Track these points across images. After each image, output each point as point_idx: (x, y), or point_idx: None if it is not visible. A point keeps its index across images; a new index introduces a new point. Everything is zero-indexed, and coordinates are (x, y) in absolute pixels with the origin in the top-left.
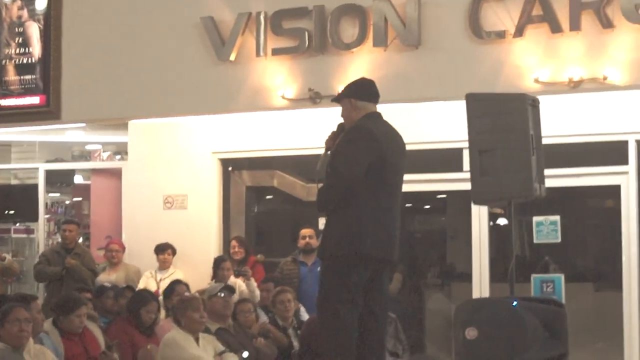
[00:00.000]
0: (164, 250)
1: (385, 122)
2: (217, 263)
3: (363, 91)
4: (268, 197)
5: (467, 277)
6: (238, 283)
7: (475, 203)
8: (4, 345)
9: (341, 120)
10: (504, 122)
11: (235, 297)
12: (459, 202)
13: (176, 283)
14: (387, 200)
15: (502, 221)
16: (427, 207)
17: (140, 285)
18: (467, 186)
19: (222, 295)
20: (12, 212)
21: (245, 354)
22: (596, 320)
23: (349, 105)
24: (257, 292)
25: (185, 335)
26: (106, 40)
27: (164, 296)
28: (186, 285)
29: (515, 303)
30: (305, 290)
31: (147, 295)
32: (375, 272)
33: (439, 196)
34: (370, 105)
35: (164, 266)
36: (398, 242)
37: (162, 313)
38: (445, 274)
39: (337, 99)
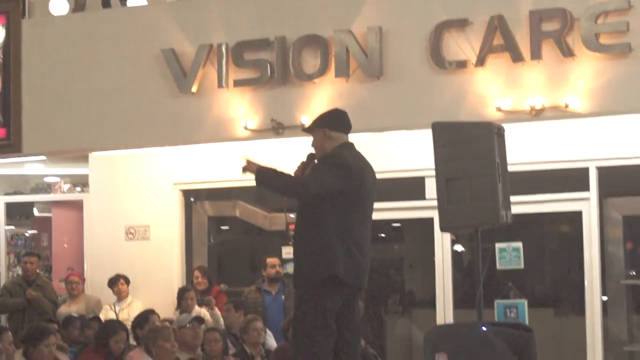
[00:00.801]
0: (116, 282)
1: (358, 153)
2: (181, 293)
3: (337, 122)
4: (230, 227)
5: (428, 303)
6: (202, 312)
7: (443, 230)
8: None
9: (310, 150)
10: (470, 150)
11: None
12: (417, 230)
13: (148, 313)
14: (360, 229)
15: (458, 247)
16: (383, 235)
17: (101, 317)
18: (429, 214)
19: (191, 325)
20: None
21: None
22: (559, 346)
23: (322, 135)
24: (222, 321)
25: None
26: (66, 72)
27: (135, 325)
28: (157, 315)
29: (484, 328)
30: (269, 318)
31: (115, 325)
32: (347, 298)
33: (395, 224)
34: (343, 136)
35: (120, 297)
36: (368, 270)
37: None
38: (405, 301)
39: (310, 129)
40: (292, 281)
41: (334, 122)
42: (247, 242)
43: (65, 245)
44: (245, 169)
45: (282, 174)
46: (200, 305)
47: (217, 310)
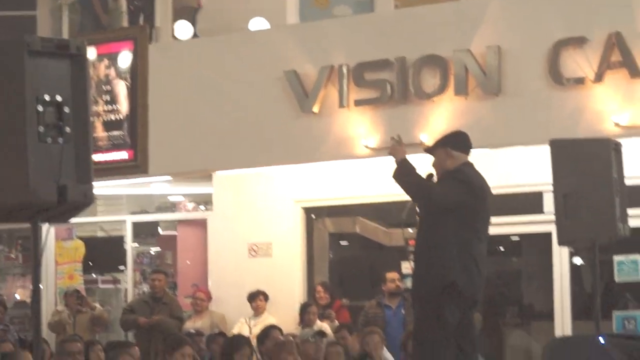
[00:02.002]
0: (256, 297)
1: (477, 171)
2: (304, 308)
3: (459, 142)
4: (350, 243)
5: (545, 315)
6: (324, 326)
7: (561, 244)
8: None
9: (430, 170)
10: (587, 166)
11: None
12: (534, 243)
13: (271, 328)
14: (477, 244)
15: (577, 260)
16: (502, 248)
17: (234, 331)
18: (546, 228)
19: (314, 340)
20: (91, 263)
21: None
22: None
23: (444, 154)
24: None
25: None
26: (191, 94)
27: (258, 341)
28: (280, 329)
29: (602, 340)
30: (389, 333)
31: (240, 340)
32: (464, 311)
33: (513, 238)
34: (463, 156)
35: (257, 312)
36: (483, 284)
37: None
38: (523, 313)
39: (432, 149)
40: (411, 294)
41: (455, 142)
42: (367, 258)
43: (188, 262)
44: (392, 151)
45: (419, 176)
46: (321, 319)
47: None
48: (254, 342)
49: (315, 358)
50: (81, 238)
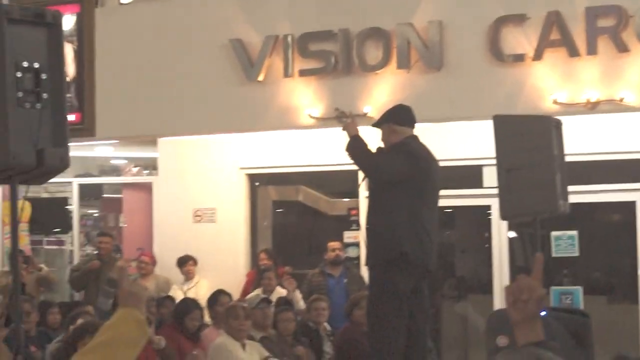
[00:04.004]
0: (186, 262)
1: (422, 144)
2: (262, 272)
3: (402, 116)
4: (293, 211)
5: (482, 288)
6: (282, 292)
7: (503, 218)
8: None
9: (380, 144)
10: (529, 142)
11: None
12: (469, 216)
13: (220, 293)
14: (427, 213)
15: (510, 234)
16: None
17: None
18: (486, 202)
19: (261, 307)
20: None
21: None
22: (612, 332)
23: (388, 129)
24: (302, 303)
25: (232, 342)
26: (138, 59)
27: (208, 305)
28: (229, 295)
29: (543, 312)
30: (333, 301)
31: (190, 304)
32: (416, 280)
33: (446, 210)
34: (408, 130)
35: (188, 277)
36: (435, 253)
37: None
38: (460, 286)
39: (378, 124)
40: (365, 262)
41: (399, 117)
42: (312, 226)
43: (125, 225)
44: (346, 127)
45: (369, 151)
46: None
47: (298, 292)
48: None
49: (263, 324)
50: (27, 199)
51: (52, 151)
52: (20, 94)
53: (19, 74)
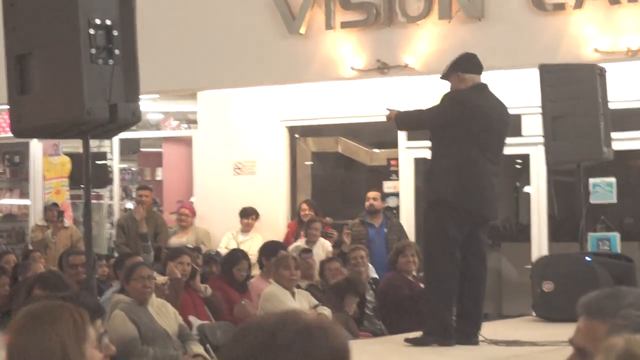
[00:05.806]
0: (249, 215)
1: (491, 93)
2: (309, 224)
3: (467, 64)
4: (332, 162)
5: (515, 237)
6: (325, 244)
7: (549, 166)
8: (130, 299)
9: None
10: (574, 91)
11: (322, 255)
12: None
13: (276, 244)
14: (484, 162)
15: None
16: None
17: (222, 244)
18: (525, 150)
19: (304, 257)
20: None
21: None
22: None
23: (456, 79)
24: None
25: (282, 290)
26: (179, 13)
27: (263, 256)
28: (284, 246)
29: (588, 258)
30: (373, 250)
31: (238, 255)
32: (472, 228)
33: None
34: (475, 77)
35: (246, 229)
36: (496, 202)
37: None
38: (495, 234)
39: (446, 76)
40: (425, 196)
41: (465, 65)
42: (351, 177)
43: (160, 179)
44: (389, 118)
45: (413, 113)
46: (323, 237)
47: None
48: None
49: (307, 273)
50: (66, 154)
51: (125, 106)
52: (93, 51)
53: (91, 31)
